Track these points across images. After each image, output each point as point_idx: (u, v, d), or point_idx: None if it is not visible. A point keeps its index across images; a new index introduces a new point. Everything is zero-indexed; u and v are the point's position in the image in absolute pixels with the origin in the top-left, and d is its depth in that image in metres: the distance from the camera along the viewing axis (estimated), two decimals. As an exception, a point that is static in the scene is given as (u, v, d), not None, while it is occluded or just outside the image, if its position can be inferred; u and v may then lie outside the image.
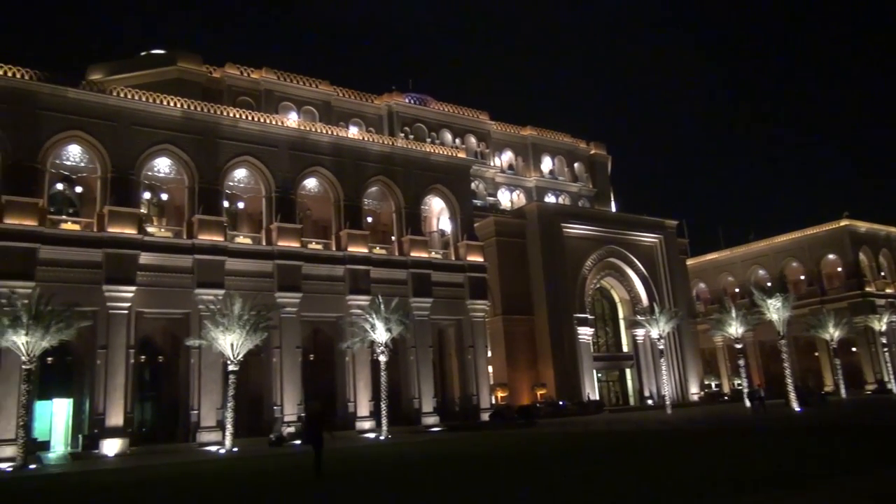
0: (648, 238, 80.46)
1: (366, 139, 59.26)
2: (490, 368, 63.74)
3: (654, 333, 63.20)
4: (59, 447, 43.61)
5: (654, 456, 24.34)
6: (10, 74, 42.76)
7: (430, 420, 52.85)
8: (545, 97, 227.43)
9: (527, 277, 71.72)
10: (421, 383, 54.06)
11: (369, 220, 58.00)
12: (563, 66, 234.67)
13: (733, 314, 58.37)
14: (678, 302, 77.56)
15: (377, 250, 55.26)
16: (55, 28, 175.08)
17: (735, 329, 58.10)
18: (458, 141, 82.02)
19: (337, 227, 53.69)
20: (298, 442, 42.57)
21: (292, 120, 58.31)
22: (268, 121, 52.96)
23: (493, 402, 61.01)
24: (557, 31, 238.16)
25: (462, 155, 65.05)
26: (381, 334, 45.26)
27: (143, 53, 68.71)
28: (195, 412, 44.39)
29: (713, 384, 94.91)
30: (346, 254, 52.26)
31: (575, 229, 74.22)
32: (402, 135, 75.86)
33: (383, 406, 45.04)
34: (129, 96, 46.95)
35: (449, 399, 58.88)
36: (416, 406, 53.48)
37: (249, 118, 51.69)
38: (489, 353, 63.82)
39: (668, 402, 62.60)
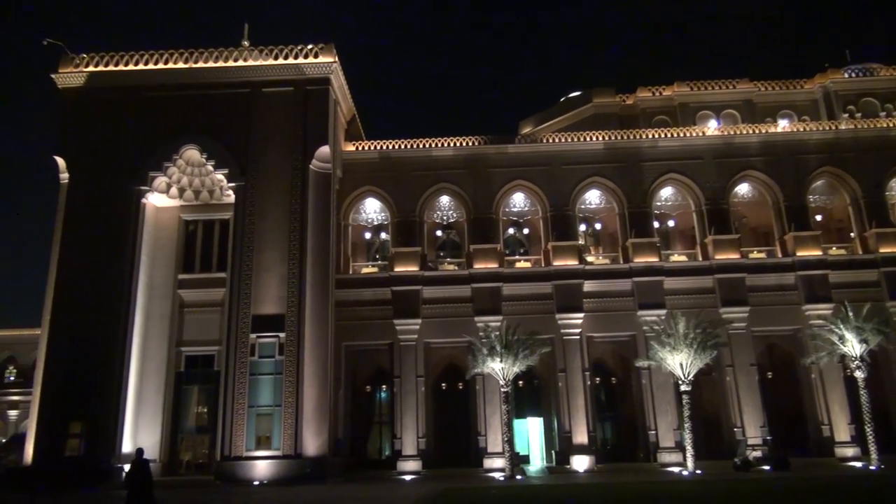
0: None
1: (802, 129, 53.11)
2: None
3: None
4: (536, 461, 48.77)
5: None
6: (466, 144, 51.22)
7: (939, 450, 42.97)
8: None
9: None
10: (917, 404, 44.68)
11: (818, 218, 51.37)
12: None
13: None
14: None
15: (833, 251, 48.42)
16: (490, 92, 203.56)
17: None
18: (926, 106, 66.99)
19: (780, 232, 48.99)
20: (768, 467, 39.34)
21: (712, 128, 55.78)
22: (687, 134, 52.07)
23: None
24: None
25: (936, 121, 52.90)
26: (853, 347, 39.32)
27: (562, 99, 74.57)
28: (652, 432, 44.85)
29: None
30: (796, 259, 47.06)
31: None
32: (846, 115, 65.53)
33: (868, 430, 38.57)
34: (556, 140, 51.59)
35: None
36: (914, 432, 44.28)
37: (668, 136, 51.60)
38: None
39: None
